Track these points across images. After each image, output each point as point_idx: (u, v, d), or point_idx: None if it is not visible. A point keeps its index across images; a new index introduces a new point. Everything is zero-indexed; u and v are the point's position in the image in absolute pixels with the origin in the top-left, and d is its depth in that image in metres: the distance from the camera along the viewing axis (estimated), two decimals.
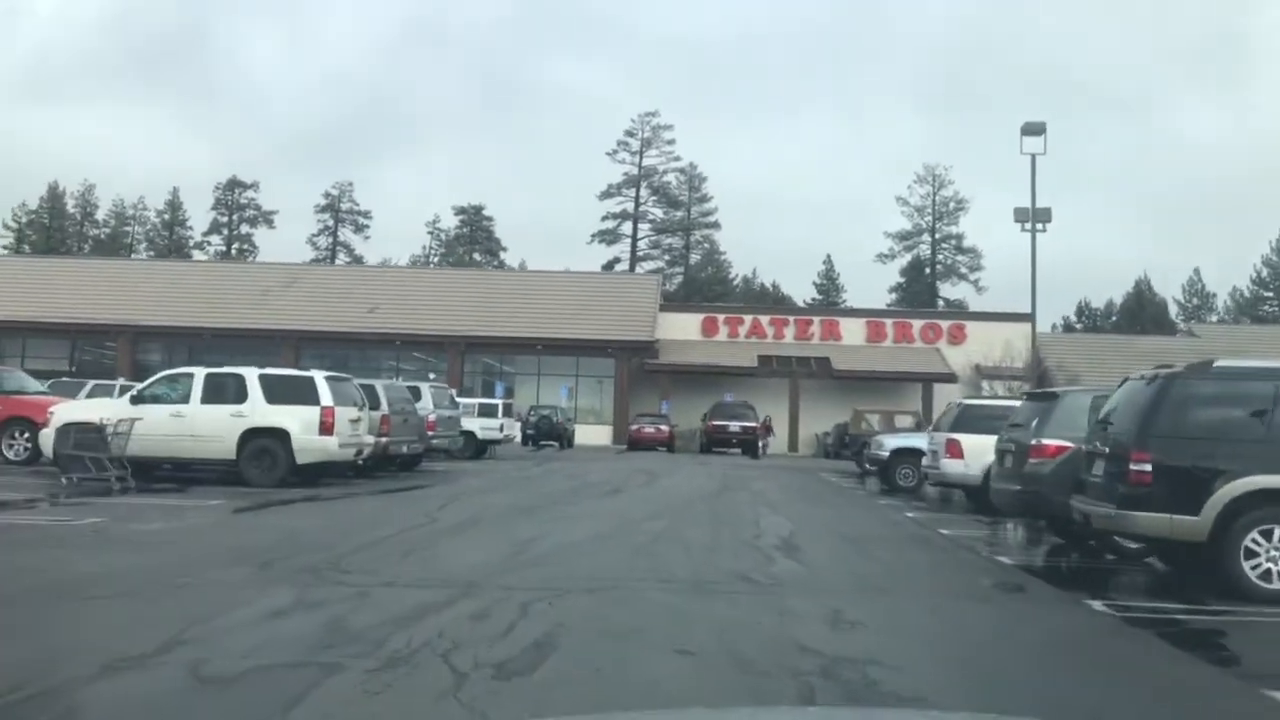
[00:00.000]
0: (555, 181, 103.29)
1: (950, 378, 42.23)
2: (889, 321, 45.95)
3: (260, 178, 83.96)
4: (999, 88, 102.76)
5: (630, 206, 78.72)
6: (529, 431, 35.96)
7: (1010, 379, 39.50)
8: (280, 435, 15.24)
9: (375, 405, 17.75)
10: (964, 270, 75.30)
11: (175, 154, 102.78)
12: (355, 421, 16.22)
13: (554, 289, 45.80)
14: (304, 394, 15.55)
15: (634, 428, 37.13)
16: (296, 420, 15.29)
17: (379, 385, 18.22)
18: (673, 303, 56.18)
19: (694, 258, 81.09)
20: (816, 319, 45.73)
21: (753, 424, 35.18)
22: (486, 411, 28.05)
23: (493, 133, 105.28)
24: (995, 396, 25.49)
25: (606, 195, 77.96)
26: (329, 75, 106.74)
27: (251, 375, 15.68)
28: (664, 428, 37.23)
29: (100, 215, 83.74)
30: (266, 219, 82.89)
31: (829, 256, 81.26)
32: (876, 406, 40.89)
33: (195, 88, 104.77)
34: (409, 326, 42.58)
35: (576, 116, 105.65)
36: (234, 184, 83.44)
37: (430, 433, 20.48)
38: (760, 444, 36.85)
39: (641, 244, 78.90)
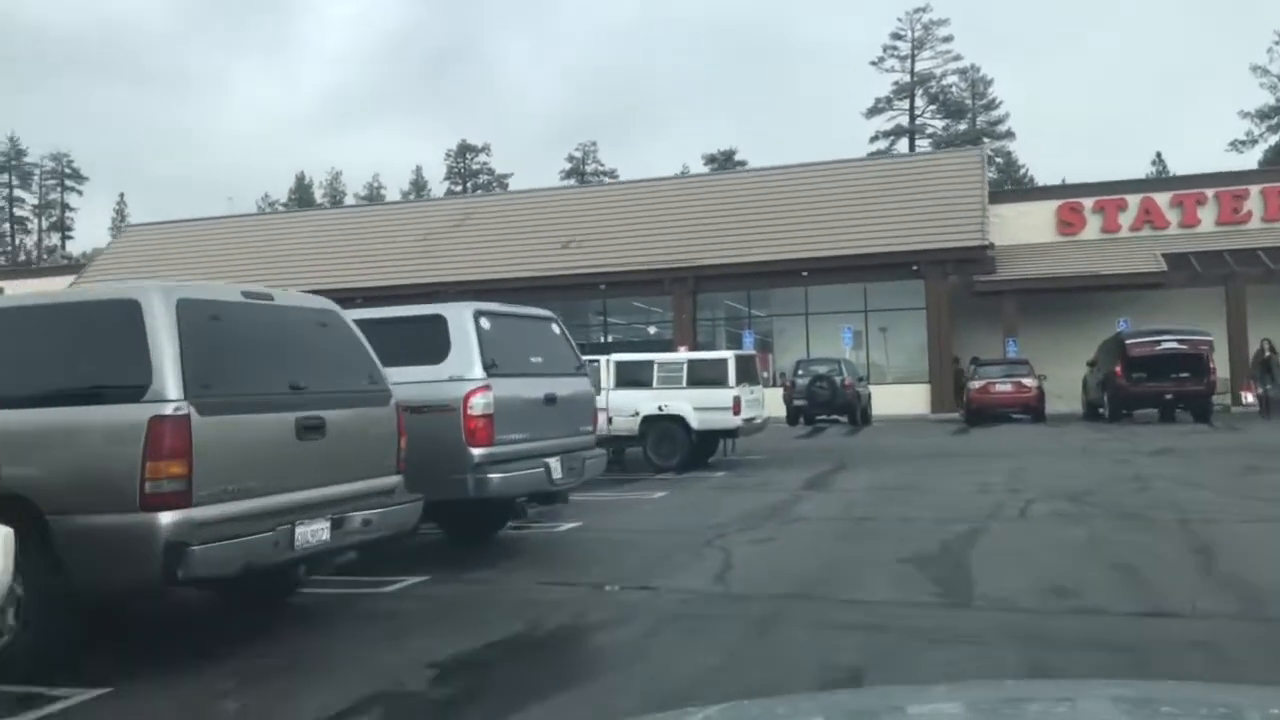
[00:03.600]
0: (813, 115, 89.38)
1: None
2: None
3: (504, 151, 77.83)
4: None
5: (905, 120, 65.65)
6: (798, 402, 22.24)
7: None
8: None
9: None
10: None
11: (422, 141, 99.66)
12: None
13: (822, 187, 31.13)
14: None
15: (976, 385, 22.15)
16: None
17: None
18: (1005, 191, 40.24)
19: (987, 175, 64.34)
20: (1253, 189, 28.10)
21: (1205, 350, 19.09)
22: (701, 375, 14.25)
23: (741, 81, 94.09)
24: None
25: (875, 111, 65.35)
26: (570, 45, 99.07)
27: None
28: (1026, 382, 22.06)
29: (348, 202, 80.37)
30: (501, 183, 77.12)
31: (1159, 155, 62.77)
32: None
33: (443, 76, 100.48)
34: (618, 262, 29.67)
35: (828, 53, 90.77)
36: (464, 149, 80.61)
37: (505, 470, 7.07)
38: (1258, 395, 20.92)
39: None
